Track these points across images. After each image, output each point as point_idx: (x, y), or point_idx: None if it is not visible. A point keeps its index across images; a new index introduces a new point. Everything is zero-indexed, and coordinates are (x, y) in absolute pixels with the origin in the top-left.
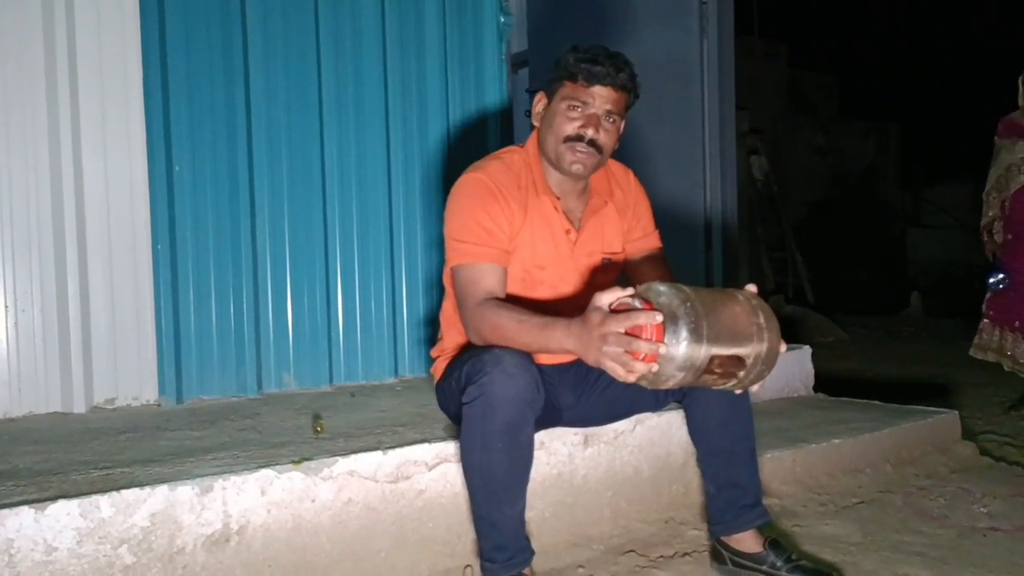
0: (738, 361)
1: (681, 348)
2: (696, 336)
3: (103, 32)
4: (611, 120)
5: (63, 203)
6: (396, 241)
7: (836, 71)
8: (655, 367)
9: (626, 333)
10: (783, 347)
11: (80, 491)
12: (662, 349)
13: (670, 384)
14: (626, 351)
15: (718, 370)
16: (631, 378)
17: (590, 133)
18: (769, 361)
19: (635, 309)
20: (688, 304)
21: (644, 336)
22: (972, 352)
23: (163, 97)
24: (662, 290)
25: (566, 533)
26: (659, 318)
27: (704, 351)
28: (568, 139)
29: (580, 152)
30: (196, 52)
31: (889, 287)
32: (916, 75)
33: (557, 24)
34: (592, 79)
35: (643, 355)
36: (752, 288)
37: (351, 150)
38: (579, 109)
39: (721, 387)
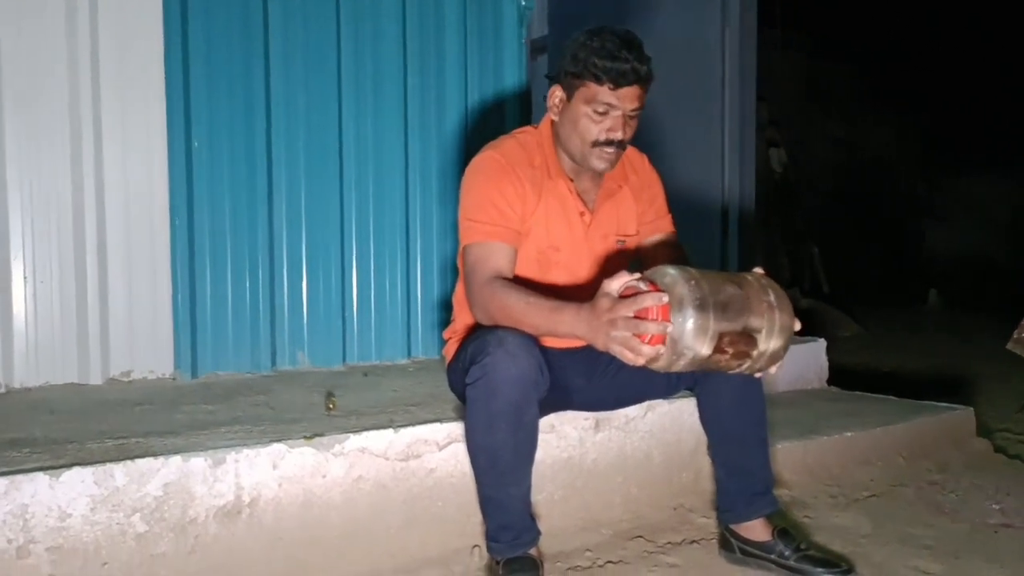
0: (749, 339)
1: (687, 326)
2: (702, 313)
3: (125, 7)
4: (635, 114)
5: (83, 176)
6: (412, 224)
7: (857, 62)
8: (662, 348)
9: (634, 316)
10: (797, 324)
11: (95, 459)
12: (668, 328)
13: (681, 364)
14: (633, 334)
15: (729, 349)
16: (639, 361)
17: (619, 136)
18: (782, 338)
19: (642, 292)
20: (693, 283)
21: (650, 317)
22: (1010, 346)
23: (183, 73)
24: (668, 271)
25: (575, 517)
26: (665, 299)
27: (712, 328)
28: (597, 144)
29: (608, 154)
30: (216, 28)
31: (907, 281)
32: (938, 68)
33: (578, 10)
34: (619, 81)
35: (650, 337)
36: (759, 271)
37: (369, 130)
38: (605, 111)
39: (737, 370)
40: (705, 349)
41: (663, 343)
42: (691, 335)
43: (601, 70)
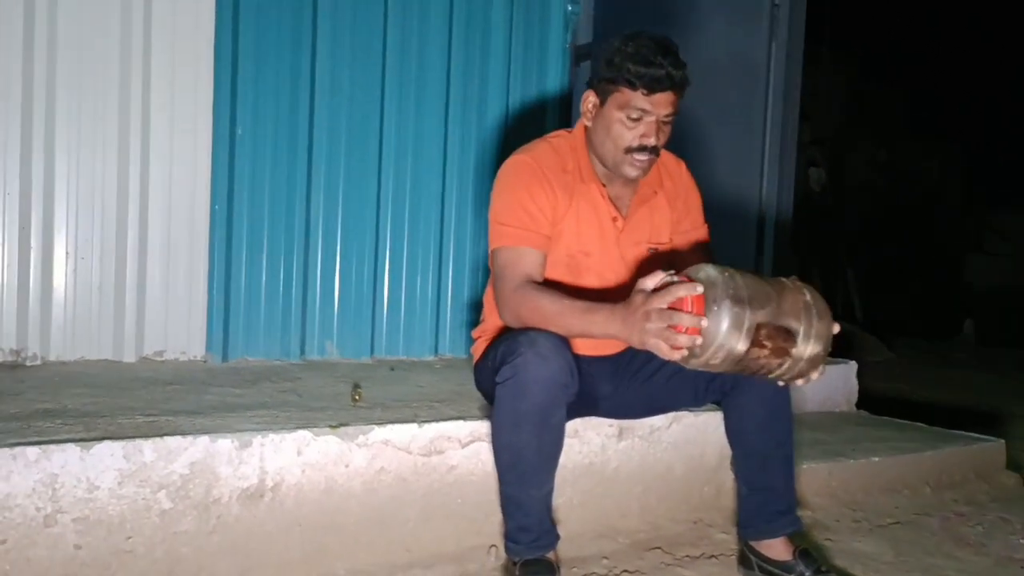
0: (788, 334)
1: (723, 316)
2: (738, 303)
3: None
4: (669, 120)
5: (128, 157)
6: (446, 222)
7: (905, 87)
8: (699, 339)
9: (669, 308)
10: (836, 327)
11: (125, 434)
12: (704, 322)
13: (718, 359)
14: (668, 325)
15: (768, 343)
16: (675, 355)
17: (652, 142)
18: (822, 338)
19: (675, 283)
20: (727, 274)
21: (685, 309)
22: None
23: (232, 60)
24: (703, 267)
25: (593, 523)
26: (699, 289)
27: (748, 320)
28: (630, 150)
29: (640, 160)
30: (267, 19)
31: (943, 311)
32: (986, 98)
33: (624, 18)
34: (654, 87)
35: (685, 328)
36: (795, 278)
37: (409, 127)
38: (639, 117)
39: (777, 372)
40: (742, 344)
41: (698, 334)
42: (727, 326)
43: (635, 75)
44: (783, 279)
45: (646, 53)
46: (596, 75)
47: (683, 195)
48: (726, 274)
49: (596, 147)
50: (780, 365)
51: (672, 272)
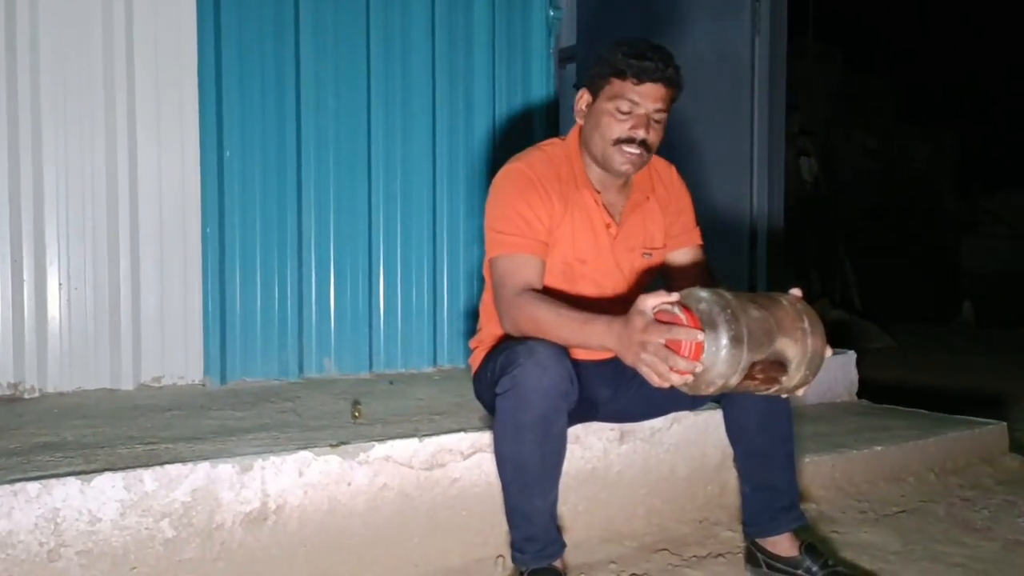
0: (780, 367)
1: (720, 359)
2: (735, 348)
3: (159, 18)
4: (659, 118)
5: (117, 185)
6: (439, 231)
7: (892, 75)
8: (690, 379)
9: (666, 344)
10: (829, 351)
11: (125, 464)
12: (698, 368)
13: (710, 391)
14: (663, 361)
15: (760, 376)
16: (665, 385)
17: (641, 134)
18: (813, 366)
19: (678, 323)
20: (728, 312)
21: (682, 352)
22: None
23: (216, 83)
24: (703, 296)
25: (599, 528)
26: (700, 337)
27: (744, 361)
28: (618, 141)
29: (630, 153)
30: (249, 39)
31: (941, 296)
32: (974, 82)
33: (607, 19)
34: (642, 76)
35: (678, 369)
36: (797, 292)
37: (397, 139)
38: (628, 109)
39: (765, 392)
40: (735, 379)
41: (691, 375)
42: (722, 368)
43: (625, 65)
44: (783, 299)
45: (639, 48)
46: (591, 74)
47: (675, 199)
48: (728, 311)
49: (587, 143)
50: (768, 389)
51: (675, 299)
